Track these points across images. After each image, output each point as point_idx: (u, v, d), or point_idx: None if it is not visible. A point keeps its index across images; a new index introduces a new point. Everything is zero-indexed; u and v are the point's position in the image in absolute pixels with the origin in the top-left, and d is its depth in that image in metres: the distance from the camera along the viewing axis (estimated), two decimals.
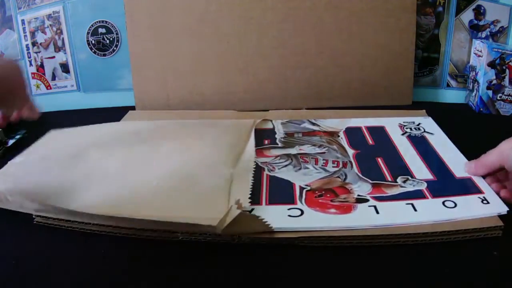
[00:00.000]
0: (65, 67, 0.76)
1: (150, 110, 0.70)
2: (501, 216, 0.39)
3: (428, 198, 0.42)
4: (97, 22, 0.73)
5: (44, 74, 0.76)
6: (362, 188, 0.44)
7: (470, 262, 0.36)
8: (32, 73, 0.76)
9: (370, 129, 0.59)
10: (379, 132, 0.58)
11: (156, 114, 0.67)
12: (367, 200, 0.42)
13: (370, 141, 0.55)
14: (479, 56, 0.68)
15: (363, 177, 0.46)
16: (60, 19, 0.73)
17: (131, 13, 0.69)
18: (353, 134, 0.57)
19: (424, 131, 0.58)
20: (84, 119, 0.62)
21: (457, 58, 0.73)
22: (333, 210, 0.41)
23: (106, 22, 0.73)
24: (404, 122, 0.60)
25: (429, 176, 0.46)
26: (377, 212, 0.40)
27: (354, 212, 0.40)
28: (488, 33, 0.71)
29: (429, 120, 0.61)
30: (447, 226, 0.38)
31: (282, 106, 0.68)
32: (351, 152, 0.52)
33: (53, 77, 0.76)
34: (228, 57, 0.69)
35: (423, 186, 0.44)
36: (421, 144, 0.54)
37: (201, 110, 0.68)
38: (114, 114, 0.67)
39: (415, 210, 0.40)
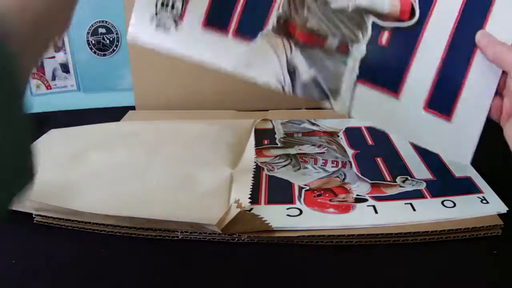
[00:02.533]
0: (65, 67, 0.76)
1: (150, 110, 0.70)
2: (500, 215, 0.39)
3: (427, 198, 0.42)
4: (97, 22, 0.73)
5: (44, 74, 0.76)
6: (361, 188, 0.44)
7: (470, 261, 0.36)
8: (32, 73, 0.76)
9: (370, 129, 0.59)
10: (378, 132, 0.58)
11: (156, 114, 0.67)
12: (366, 200, 0.42)
13: (370, 141, 0.55)
14: None
15: (362, 177, 0.47)
16: None
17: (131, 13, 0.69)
18: (352, 134, 0.57)
19: None
20: (84, 119, 0.62)
21: None
22: (331, 210, 0.41)
23: (106, 22, 0.73)
24: None
25: (429, 176, 0.46)
26: (376, 212, 0.40)
27: (353, 212, 0.40)
28: None
29: None
30: (447, 225, 0.38)
31: (282, 106, 0.68)
32: (350, 152, 0.53)
33: (53, 77, 0.76)
34: None
35: (422, 186, 0.44)
36: None
37: (201, 110, 0.68)
38: (114, 114, 0.67)
39: (414, 209, 0.40)
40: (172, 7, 0.40)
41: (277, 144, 0.55)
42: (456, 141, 0.38)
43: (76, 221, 0.41)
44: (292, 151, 0.53)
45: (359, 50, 0.39)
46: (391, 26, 0.38)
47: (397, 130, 0.39)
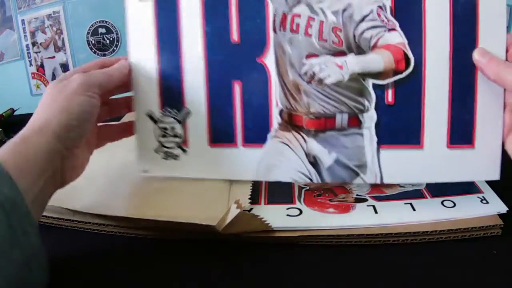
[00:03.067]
0: (65, 67, 0.76)
1: None
2: (500, 215, 0.39)
3: (427, 197, 0.42)
4: (97, 22, 0.73)
5: (44, 74, 0.76)
6: (361, 187, 0.44)
7: (470, 261, 0.36)
8: (32, 73, 0.77)
9: None
10: None
11: None
12: (365, 200, 0.42)
13: None
14: None
15: None
16: (60, 19, 0.73)
17: None
18: None
19: None
20: None
21: None
22: (331, 210, 0.41)
23: (106, 22, 0.73)
24: None
25: None
26: (376, 212, 0.40)
27: (352, 212, 0.40)
28: None
29: None
30: (447, 224, 0.38)
31: None
32: None
33: (53, 77, 0.77)
34: None
35: (422, 186, 0.44)
36: None
37: None
38: None
39: (414, 209, 0.40)
40: (172, 133, 0.41)
41: None
42: (483, 162, 0.38)
43: (76, 221, 0.41)
44: None
45: (370, 117, 0.39)
46: (392, 81, 0.38)
47: (428, 177, 0.40)
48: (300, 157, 0.40)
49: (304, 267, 0.36)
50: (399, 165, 0.39)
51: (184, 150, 0.41)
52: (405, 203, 0.41)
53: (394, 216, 0.39)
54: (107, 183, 0.45)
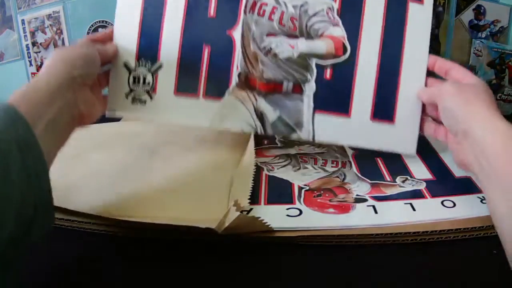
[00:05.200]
0: None
1: None
2: None
3: (427, 198, 0.42)
4: (97, 22, 0.73)
5: None
6: (361, 188, 0.44)
7: (470, 261, 0.36)
8: (32, 73, 0.76)
9: None
10: None
11: None
12: (365, 200, 0.42)
13: None
14: (478, 56, 0.68)
15: (362, 177, 0.47)
16: (60, 19, 0.73)
17: None
18: None
19: None
20: None
21: (457, 58, 0.73)
22: (331, 210, 0.41)
23: (106, 22, 0.73)
24: None
25: (428, 176, 0.46)
26: (376, 212, 0.40)
27: (352, 212, 0.40)
28: (488, 33, 0.71)
29: None
30: (447, 224, 0.38)
31: None
32: (350, 152, 0.53)
33: None
34: None
35: (422, 186, 0.44)
36: (420, 144, 0.54)
37: None
38: None
39: (414, 209, 0.40)
40: (144, 82, 0.47)
41: (277, 144, 0.55)
42: (401, 137, 0.47)
43: (76, 221, 0.41)
44: (292, 151, 0.53)
45: (310, 87, 0.47)
46: (331, 63, 0.47)
47: (352, 141, 0.48)
48: (249, 111, 0.48)
49: (304, 267, 0.36)
50: (329, 128, 0.47)
51: (151, 97, 0.47)
52: (405, 203, 0.41)
53: (394, 216, 0.39)
54: (107, 183, 0.45)
